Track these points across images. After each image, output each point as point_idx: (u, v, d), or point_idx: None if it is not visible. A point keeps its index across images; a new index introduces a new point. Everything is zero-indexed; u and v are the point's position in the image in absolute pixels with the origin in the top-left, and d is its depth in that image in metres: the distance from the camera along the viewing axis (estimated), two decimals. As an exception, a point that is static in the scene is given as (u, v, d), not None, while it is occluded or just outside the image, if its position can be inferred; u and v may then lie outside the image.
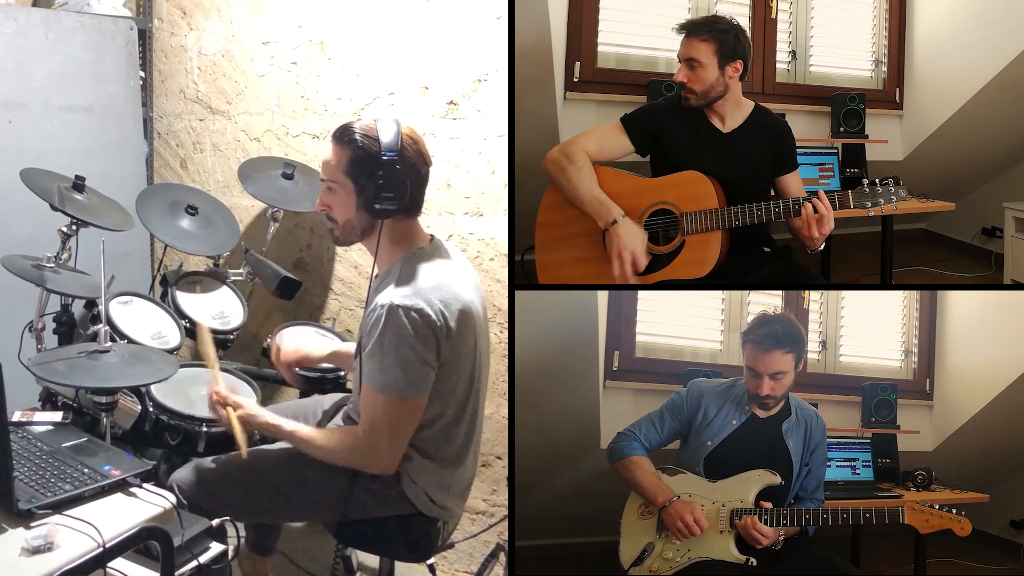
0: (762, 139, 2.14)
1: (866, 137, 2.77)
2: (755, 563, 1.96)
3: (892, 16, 2.92)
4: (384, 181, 1.72)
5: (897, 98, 2.95)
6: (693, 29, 2.07)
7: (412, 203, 1.80)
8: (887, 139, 2.86)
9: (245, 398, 1.91)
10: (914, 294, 2.95)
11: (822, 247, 2.02)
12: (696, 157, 2.10)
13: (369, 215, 1.77)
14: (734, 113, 2.12)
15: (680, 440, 2.18)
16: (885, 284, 2.70)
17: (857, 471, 2.70)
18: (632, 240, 2.05)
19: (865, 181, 1.96)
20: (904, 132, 2.95)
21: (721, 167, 2.09)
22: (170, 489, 1.84)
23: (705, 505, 2.02)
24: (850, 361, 2.93)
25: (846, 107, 2.75)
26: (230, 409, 1.85)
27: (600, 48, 2.66)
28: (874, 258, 2.69)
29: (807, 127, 2.81)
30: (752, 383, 2.08)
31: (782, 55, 2.85)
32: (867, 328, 2.95)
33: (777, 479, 2.02)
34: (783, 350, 2.03)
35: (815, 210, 1.94)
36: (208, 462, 1.92)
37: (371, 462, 1.77)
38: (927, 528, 1.96)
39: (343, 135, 1.76)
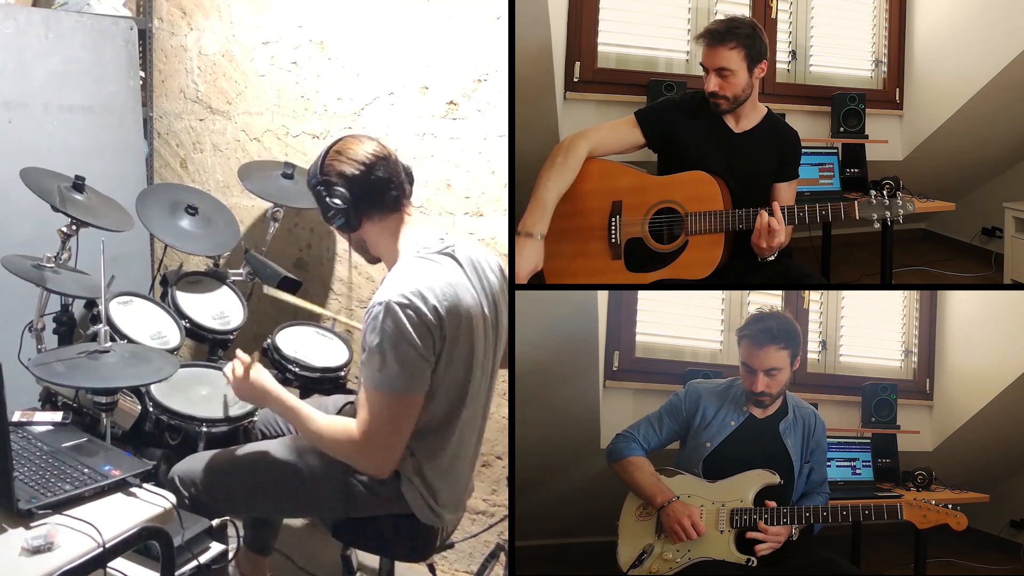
0: (772, 143, 2.14)
1: (866, 137, 2.76)
2: (755, 563, 1.96)
3: (892, 16, 2.91)
4: (320, 207, 1.83)
5: (897, 98, 2.94)
6: (720, 37, 2.03)
7: (374, 203, 1.80)
8: (887, 139, 2.86)
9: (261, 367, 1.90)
10: (914, 294, 2.95)
11: (772, 258, 2.03)
12: (706, 156, 2.10)
13: (344, 233, 1.87)
14: (750, 115, 2.12)
15: (679, 441, 2.18)
16: (885, 284, 2.70)
17: (857, 471, 2.69)
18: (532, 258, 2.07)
19: (872, 193, 1.95)
20: (904, 132, 2.94)
21: (729, 167, 2.08)
22: (170, 483, 1.85)
23: (705, 505, 2.01)
24: (850, 361, 2.93)
25: (846, 107, 2.75)
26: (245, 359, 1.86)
27: (600, 48, 2.65)
28: (874, 258, 2.68)
29: (807, 127, 2.80)
30: (747, 379, 2.07)
31: (782, 55, 2.84)
32: (867, 328, 2.95)
33: (776, 478, 2.01)
34: (777, 346, 2.03)
35: (768, 225, 1.96)
36: (208, 456, 1.92)
37: (365, 462, 1.75)
38: (925, 523, 1.95)
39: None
